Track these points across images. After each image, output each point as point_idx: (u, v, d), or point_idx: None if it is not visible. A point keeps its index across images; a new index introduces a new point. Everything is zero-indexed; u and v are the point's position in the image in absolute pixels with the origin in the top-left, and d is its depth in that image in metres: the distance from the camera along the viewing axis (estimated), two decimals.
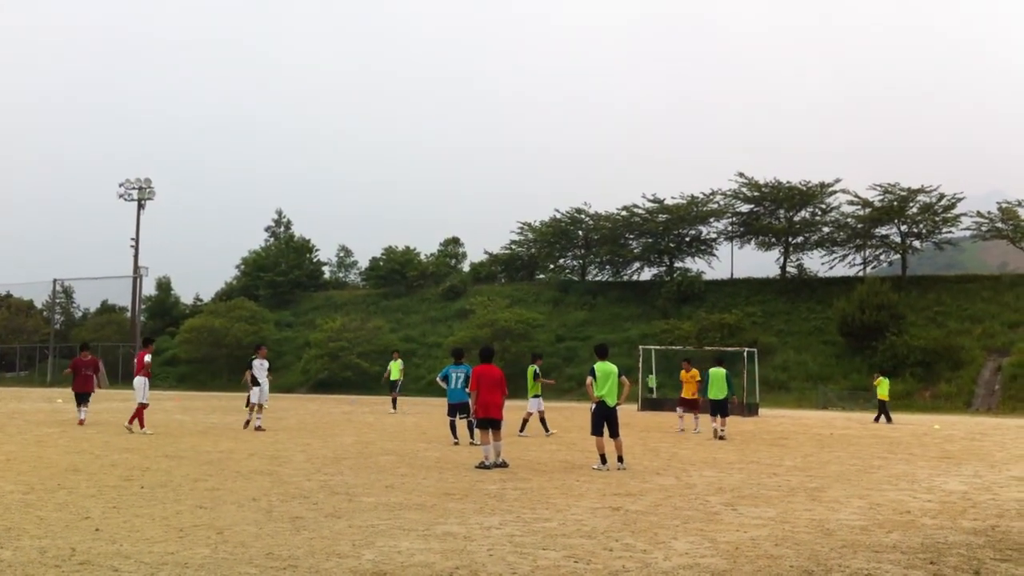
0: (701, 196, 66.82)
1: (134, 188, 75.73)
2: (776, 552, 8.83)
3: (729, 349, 46.59)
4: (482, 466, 15.59)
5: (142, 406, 22.11)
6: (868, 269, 66.20)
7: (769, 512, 11.35)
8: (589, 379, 16.50)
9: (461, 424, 20.72)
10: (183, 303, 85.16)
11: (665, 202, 67.24)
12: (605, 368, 16.42)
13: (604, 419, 16.27)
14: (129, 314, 77.86)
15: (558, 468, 16.00)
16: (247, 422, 23.99)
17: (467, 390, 18.79)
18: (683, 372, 28.15)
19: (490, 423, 15.81)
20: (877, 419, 34.98)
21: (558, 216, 71.49)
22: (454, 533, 9.47)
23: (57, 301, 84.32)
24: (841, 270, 65.65)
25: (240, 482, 13.24)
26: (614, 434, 16.21)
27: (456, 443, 20.28)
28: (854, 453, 20.40)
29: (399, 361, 35.07)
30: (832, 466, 17.41)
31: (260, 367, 23.77)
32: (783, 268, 66.78)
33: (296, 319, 75.16)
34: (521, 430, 23.18)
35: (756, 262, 71.14)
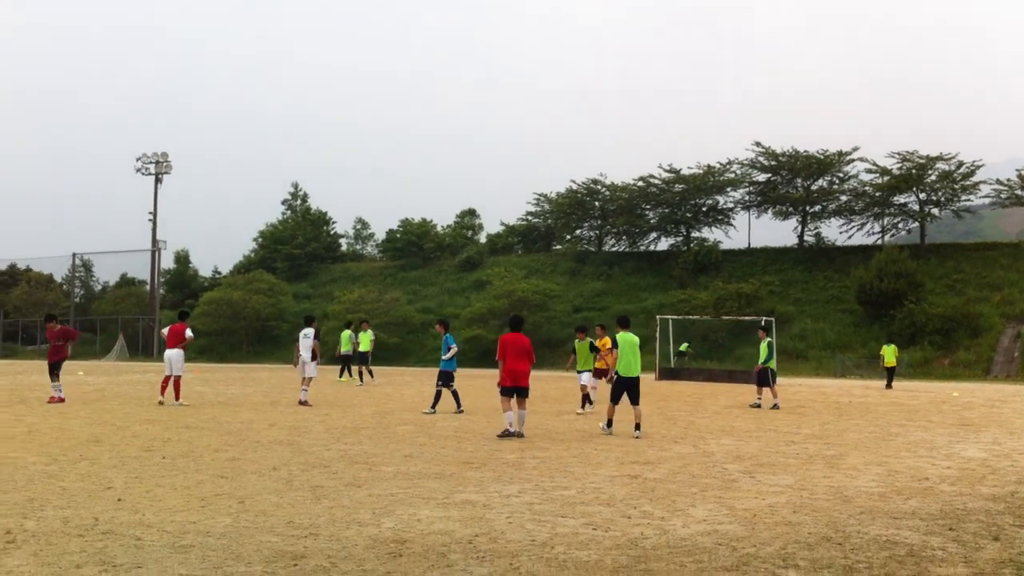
0: (718, 166, 66.61)
1: (151, 162, 76.00)
2: (794, 519, 8.84)
3: (746, 318, 46.61)
4: (506, 434, 15.51)
5: (177, 378, 22.18)
6: (886, 237, 65.93)
7: (787, 479, 11.36)
8: (615, 351, 16.67)
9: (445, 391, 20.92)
10: (202, 276, 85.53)
11: (682, 172, 67.04)
12: (627, 338, 16.61)
13: (625, 389, 16.47)
14: (148, 287, 78.30)
15: (576, 437, 16.05)
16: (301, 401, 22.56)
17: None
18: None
19: (517, 391, 15.80)
20: (888, 385, 35.65)
21: (574, 187, 71.33)
22: (473, 501, 9.52)
23: (77, 275, 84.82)
24: (859, 239, 65.52)
25: (260, 452, 13.33)
26: (634, 402, 16.43)
27: (461, 411, 20.32)
28: (872, 421, 20.37)
29: (369, 332, 33.70)
30: (850, 434, 17.40)
31: (304, 339, 23.05)
32: (801, 237, 66.58)
33: (314, 291, 75.44)
34: (588, 404, 22.05)
35: (773, 231, 70.96)
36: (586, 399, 22.16)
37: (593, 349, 21.84)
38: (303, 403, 22.40)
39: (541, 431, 16.89)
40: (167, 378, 22.31)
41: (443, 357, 20.94)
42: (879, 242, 64.51)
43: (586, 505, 9.39)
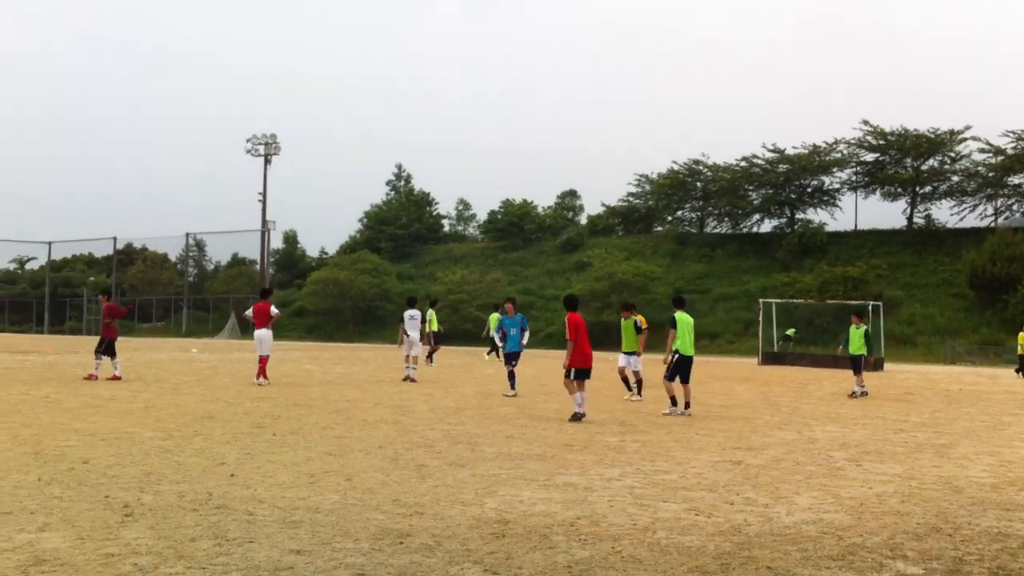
0: (823, 145, 65.26)
1: (261, 143, 77.61)
2: (903, 509, 8.69)
3: (853, 303, 45.72)
4: (576, 418, 15.38)
5: (265, 358, 22.47)
6: (999, 219, 63.74)
7: (895, 468, 11.16)
8: (672, 332, 17.19)
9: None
10: (309, 256, 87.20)
11: (786, 152, 65.87)
12: (684, 318, 17.31)
13: (681, 368, 17.10)
14: (258, 267, 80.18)
15: (676, 422, 15.99)
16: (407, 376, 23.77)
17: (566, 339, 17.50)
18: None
19: (587, 374, 15.89)
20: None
21: (676, 168, 70.67)
22: (575, 484, 9.58)
23: (190, 254, 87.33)
24: (971, 221, 63.51)
25: (367, 430, 13.60)
26: (685, 381, 17.08)
27: (515, 394, 20.09)
28: (984, 409, 19.85)
29: (434, 312, 34.20)
30: (961, 422, 16.98)
31: (410, 320, 24.19)
32: (910, 219, 64.89)
33: (417, 271, 76.32)
34: (636, 391, 20.34)
35: (881, 213, 69.51)
36: (629, 382, 20.30)
37: (638, 329, 20.20)
38: (409, 379, 23.42)
39: (640, 415, 16.87)
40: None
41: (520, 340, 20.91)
42: (992, 224, 62.46)
43: (688, 490, 9.38)
